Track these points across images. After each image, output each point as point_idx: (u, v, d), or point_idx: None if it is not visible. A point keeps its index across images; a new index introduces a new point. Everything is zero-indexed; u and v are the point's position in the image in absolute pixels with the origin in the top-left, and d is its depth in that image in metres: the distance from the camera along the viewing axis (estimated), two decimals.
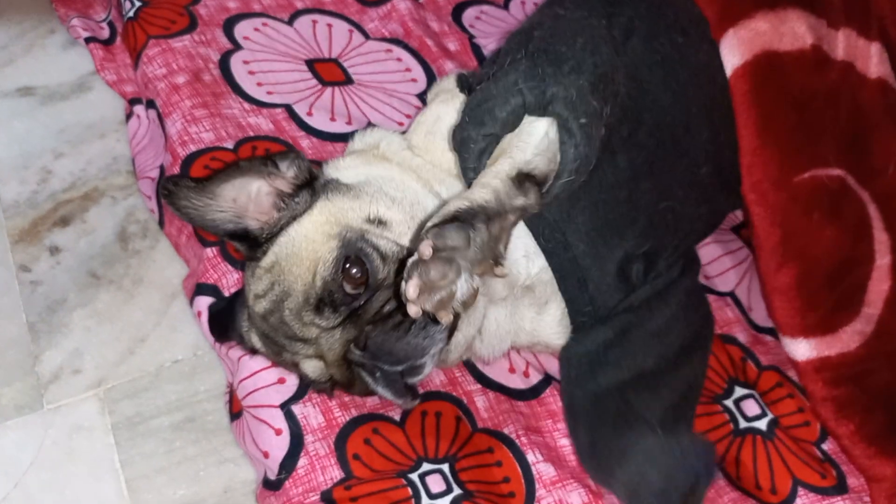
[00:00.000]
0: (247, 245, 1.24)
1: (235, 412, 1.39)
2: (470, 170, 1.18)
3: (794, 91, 1.31)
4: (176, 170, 1.53)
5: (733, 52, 1.29)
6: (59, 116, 1.85)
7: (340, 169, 1.29)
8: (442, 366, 1.30)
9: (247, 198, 1.22)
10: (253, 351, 1.30)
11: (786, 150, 1.29)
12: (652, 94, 1.27)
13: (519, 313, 1.30)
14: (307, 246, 1.17)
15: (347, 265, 1.14)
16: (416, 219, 1.19)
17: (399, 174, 1.26)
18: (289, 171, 1.23)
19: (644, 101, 1.26)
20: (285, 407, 1.29)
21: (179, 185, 1.20)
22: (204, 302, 1.42)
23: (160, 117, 1.62)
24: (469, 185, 1.17)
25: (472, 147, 1.16)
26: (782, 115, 1.29)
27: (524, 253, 1.24)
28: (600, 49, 1.18)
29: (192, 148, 1.55)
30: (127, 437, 1.47)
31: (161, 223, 1.62)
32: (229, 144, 1.56)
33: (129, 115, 1.78)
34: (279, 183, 1.23)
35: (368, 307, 1.14)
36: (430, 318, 1.05)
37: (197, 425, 1.48)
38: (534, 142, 1.12)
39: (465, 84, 1.31)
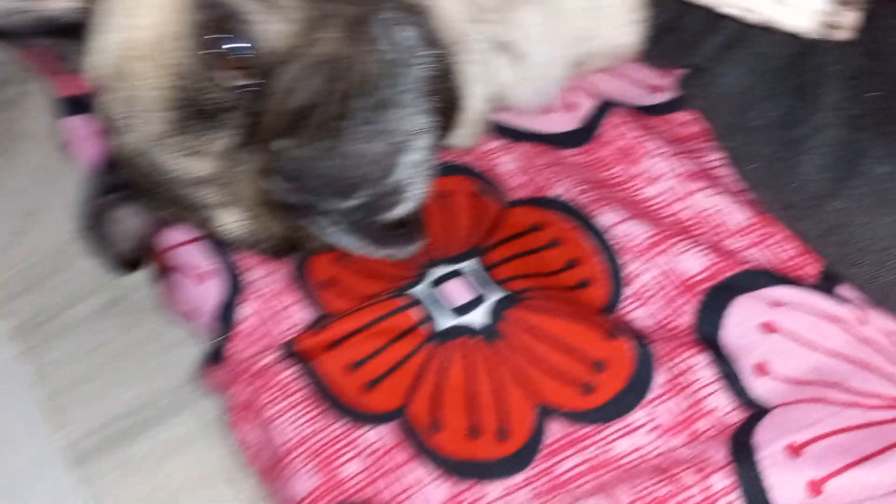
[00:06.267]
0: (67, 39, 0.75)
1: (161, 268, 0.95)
2: None
3: None
4: None
5: None
6: None
7: None
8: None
9: None
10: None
11: None
12: None
13: (561, 8, 0.80)
14: (146, 22, 0.69)
15: (217, 37, 0.65)
16: None
17: None
18: None
19: None
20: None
21: None
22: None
23: None
24: None
25: None
26: None
27: None
28: None
29: None
30: (35, 343, 1.14)
31: None
32: None
33: None
34: None
35: (267, 108, 0.66)
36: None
37: (126, 307, 1.14)
38: None
39: None
